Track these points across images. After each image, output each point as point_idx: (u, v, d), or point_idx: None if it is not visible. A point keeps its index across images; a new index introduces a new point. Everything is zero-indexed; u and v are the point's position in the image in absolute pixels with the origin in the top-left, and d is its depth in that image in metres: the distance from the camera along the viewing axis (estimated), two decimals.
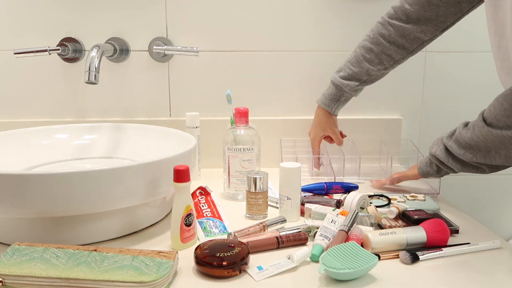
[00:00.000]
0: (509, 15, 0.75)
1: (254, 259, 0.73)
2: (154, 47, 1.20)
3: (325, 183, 1.03)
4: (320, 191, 1.03)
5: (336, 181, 1.07)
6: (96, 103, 1.25)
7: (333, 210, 0.84)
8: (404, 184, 1.09)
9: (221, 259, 0.68)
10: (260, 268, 0.70)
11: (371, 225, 0.83)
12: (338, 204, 0.91)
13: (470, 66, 1.29)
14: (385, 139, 1.28)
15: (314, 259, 0.72)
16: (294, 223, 0.87)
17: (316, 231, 0.79)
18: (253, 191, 0.89)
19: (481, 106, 0.85)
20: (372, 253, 0.70)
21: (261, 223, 0.83)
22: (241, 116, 1.01)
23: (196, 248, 0.71)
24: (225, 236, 0.81)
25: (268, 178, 0.91)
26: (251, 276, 0.68)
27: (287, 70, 1.26)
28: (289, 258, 0.72)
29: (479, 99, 1.29)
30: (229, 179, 1.01)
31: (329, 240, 0.75)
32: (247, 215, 0.91)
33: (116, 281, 0.62)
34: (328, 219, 0.80)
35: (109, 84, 1.24)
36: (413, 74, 1.28)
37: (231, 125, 1.19)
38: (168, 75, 1.25)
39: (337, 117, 1.26)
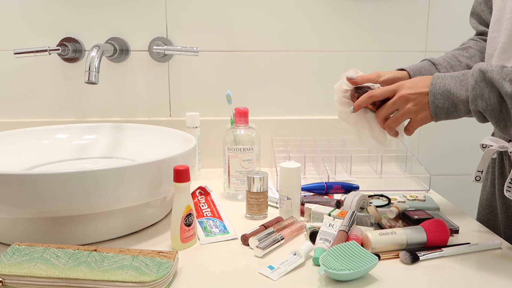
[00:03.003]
0: None
1: (254, 259, 0.73)
2: (154, 47, 1.20)
3: (325, 183, 1.03)
4: (320, 191, 1.03)
5: (336, 180, 1.07)
6: (96, 103, 1.25)
7: (332, 211, 0.84)
8: (394, 182, 1.09)
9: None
10: (271, 267, 0.70)
11: (371, 225, 0.83)
12: (338, 204, 0.91)
13: None
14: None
15: (317, 262, 0.72)
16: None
17: (312, 229, 0.80)
18: (253, 191, 0.89)
19: None
20: (372, 253, 0.70)
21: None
22: (241, 116, 1.01)
23: None
24: (225, 236, 0.81)
25: (268, 178, 0.91)
26: (267, 276, 0.68)
27: (287, 70, 1.26)
28: (295, 254, 0.73)
29: None
30: (229, 179, 1.01)
31: (329, 243, 0.75)
32: (247, 215, 0.91)
33: (116, 281, 0.62)
34: (326, 224, 0.80)
35: (109, 84, 1.24)
36: None
37: (231, 125, 1.19)
38: (168, 75, 1.25)
39: (334, 117, 1.26)
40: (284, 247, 0.78)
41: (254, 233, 0.79)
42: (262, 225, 0.83)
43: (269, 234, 0.79)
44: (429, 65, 0.90)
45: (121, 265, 0.64)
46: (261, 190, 0.89)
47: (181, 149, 0.86)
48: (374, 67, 1.27)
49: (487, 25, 0.93)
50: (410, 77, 0.89)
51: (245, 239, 0.79)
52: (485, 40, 0.95)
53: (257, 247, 0.75)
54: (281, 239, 0.79)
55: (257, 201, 0.89)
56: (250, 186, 0.89)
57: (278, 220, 0.86)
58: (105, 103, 1.25)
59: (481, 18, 0.95)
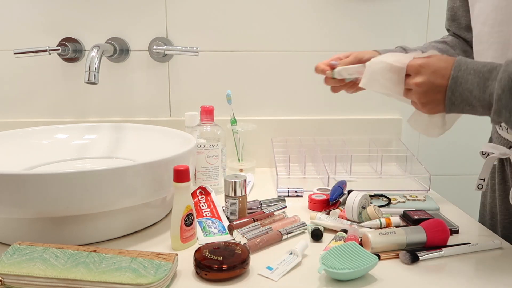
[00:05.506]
0: None
1: (253, 260, 0.73)
2: (154, 47, 1.20)
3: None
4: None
5: (336, 180, 1.07)
6: (96, 103, 1.25)
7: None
8: (394, 182, 1.09)
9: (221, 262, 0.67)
10: (270, 268, 0.70)
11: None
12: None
13: None
14: (375, 138, 1.28)
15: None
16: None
17: (314, 227, 0.81)
18: (232, 195, 0.88)
19: None
20: (372, 253, 0.70)
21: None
22: (207, 113, 1.04)
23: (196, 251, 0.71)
24: (223, 237, 0.81)
25: (246, 182, 0.88)
26: (267, 277, 0.68)
27: (287, 70, 1.26)
28: (291, 254, 0.73)
29: None
30: (195, 175, 1.04)
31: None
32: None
33: (113, 282, 0.61)
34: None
35: (109, 84, 1.24)
36: None
37: (231, 125, 1.19)
38: (168, 75, 1.25)
39: (334, 117, 1.26)
40: (280, 247, 0.79)
41: (240, 225, 0.82)
42: (252, 218, 0.84)
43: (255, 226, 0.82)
44: (400, 50, 0.89)
45: (119, 267, 0.64)
46: (241, 194, 0.88)
47: (181, 149, 0.86)
48: None
49: (467, 28, 0.91)
50: None
51: (230, 229, 0.82)
52: (465, 40, 0.94)
53: (243, 236, 0.78)
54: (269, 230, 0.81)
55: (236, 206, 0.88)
56: (229, 191, 0.87)
57: (269, 215, 0.87)
58: (105, 103, 1.25)
59: (461, 24, 0.93)
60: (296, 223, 0.84)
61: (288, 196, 1.02)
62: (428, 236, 0.76)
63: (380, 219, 0.83)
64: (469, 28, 0.90)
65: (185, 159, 0.85)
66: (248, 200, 0.90)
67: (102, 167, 0.74)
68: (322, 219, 0.86)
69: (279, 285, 0.67)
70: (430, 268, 0.71)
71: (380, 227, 0.82)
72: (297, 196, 1.03)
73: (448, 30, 0.99)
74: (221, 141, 1.04)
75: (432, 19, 1.25)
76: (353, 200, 0.87)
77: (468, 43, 0.94)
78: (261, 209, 0.93)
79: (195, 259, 0.68)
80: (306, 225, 0.84)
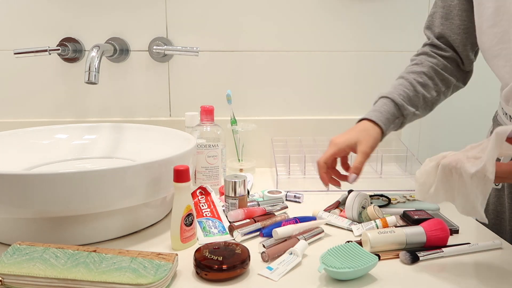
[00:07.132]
0: None
1: (253, 261, 0.73)
2: (154, 47, 1.20)
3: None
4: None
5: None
6: (96, 103, 1.25)
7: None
8: (394, 182, 1.09)
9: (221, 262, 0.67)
10: (270, 268, 0.70)
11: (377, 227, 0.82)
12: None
13: None
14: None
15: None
16: None
17: None
18: (232, 195, 0.88)
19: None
20: (372, 252, 0.70)
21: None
22: (207, 113, 1.04)
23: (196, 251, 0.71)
24: (223, 237, 0.81)
25: (246, 182, 0.88)
26: (267, 278, 0.68)
27: (287, 70, 1.26)
28: (291, 254, 0.73)
29: (480, 98, 1.29)
30: (195, 174, 1.04)
31: None
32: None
33: (113, 282, 0.61)
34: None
35: (109, 84, 1.24)
36: None
37: (231, 125, 1.19)
38: (168, 75, 1.25)
39: (334, 117, 1.25)
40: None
41: (241, 225, 0.82)
42: (253, 218, 0.85)
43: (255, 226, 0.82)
44: (393, 107, 0.89)
45: (119, 267, 0.64)
46: (241, 194, 0.88)
47: (181, 149, 0.86)
48: (374, 67, 1.27)
49: (459, 30, 0.90)
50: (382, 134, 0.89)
51: (231, 229, 0.82)
52: (438, 54, 0.93)
53: (242, 234, 0.78)
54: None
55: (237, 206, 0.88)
56: (229, 191, 0.87)
57: (270, 216, 0.87)
58: (105, 103, 1.25)
59: (454, 24, 0.90)
60: (314, 229, 0.82)
61: (286, 200, 1.00)
62: (427, 236, 0.76)
63: (376, 221, 0.83)
64: (460, 30, 0.89)
65: (185, 159, 0.85)
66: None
67: (102, 167, 0.74)
68: (324, 217, 0.86)
69: (279, 285, 0.67)
70: (430, 268, 0.71)
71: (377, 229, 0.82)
72: (296, 202, 1.00)
73: (428, 37, 0.97)
74: (221, 141, 1.04)
75: None
76: (353, 200, 0.87)
77: (447, 53, 0.93)
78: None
79: (195, 259, 0.68)
80: (323, 231, 0.82)
